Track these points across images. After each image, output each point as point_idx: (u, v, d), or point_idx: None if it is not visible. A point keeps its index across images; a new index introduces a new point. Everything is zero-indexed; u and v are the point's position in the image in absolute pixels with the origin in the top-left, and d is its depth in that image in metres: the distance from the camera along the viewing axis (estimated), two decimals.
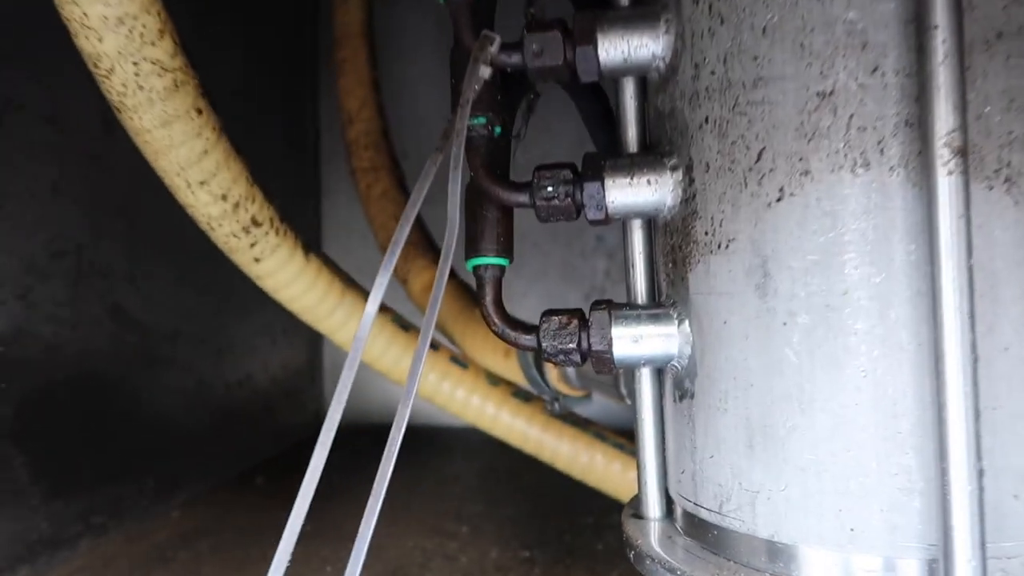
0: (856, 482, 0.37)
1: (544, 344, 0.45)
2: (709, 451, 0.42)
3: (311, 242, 0.71)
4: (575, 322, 0.45)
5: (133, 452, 0.95)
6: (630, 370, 0.57)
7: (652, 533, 0.46)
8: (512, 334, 0.47)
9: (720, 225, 0.40)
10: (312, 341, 1.43)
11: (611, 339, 0.44)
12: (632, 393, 0.60)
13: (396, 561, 0.80)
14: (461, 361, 0.81)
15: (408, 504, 0.98)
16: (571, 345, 0.45)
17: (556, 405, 0.72)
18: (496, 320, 0.47)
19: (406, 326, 0.78)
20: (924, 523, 0.36)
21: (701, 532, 0.43)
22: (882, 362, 0.36)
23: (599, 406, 1.08)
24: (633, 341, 0.44)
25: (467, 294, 0.85)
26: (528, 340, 0.47)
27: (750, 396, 0.39)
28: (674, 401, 0.45)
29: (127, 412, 0.94)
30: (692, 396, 0.43)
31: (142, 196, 0.93)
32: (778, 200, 0.38)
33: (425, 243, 0.91)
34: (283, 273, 0.66)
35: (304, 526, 0.94)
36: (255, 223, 0.62)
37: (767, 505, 0.39)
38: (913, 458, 0.36)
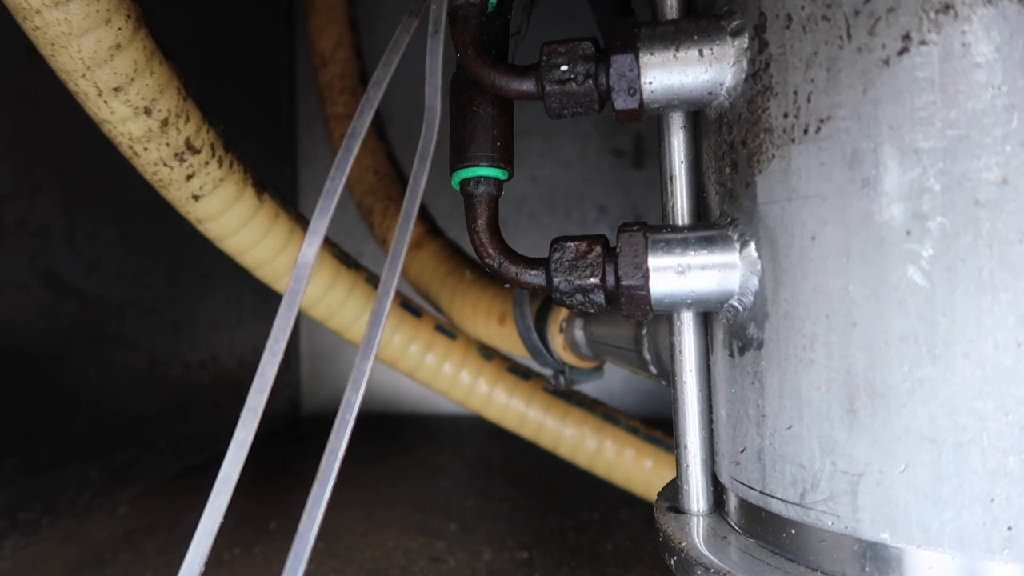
0: (1017, 460, 0.25)
1: (556, 280, 0.34)
2: (786, 420, 0.30)
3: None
4: (597, 250, 0.34)
5: (72, 439, 0.83)
6: (663, 318, 0.46)
7: (697, 532, 0.35)
8: (512, 268, 0.35)
9: (808, 101, 0.29)
10: None
11: (647, 270, 0.32)
12: (660, 358, 0.49)
13: (373, 564, 0.69)
14: (448, 331, 0.70)
15: (389, 499, 0.87)
16: (593, 280, 0.33)
17: (561, 379, 0.61)
18: (491, 250, 0.36)
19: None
20: None
21: (770, 531, 0.32)
22: None
23: (602, 393, 0.96)
24: (678, 273, 0.32)
25: (455, 255, 0.74)
26: (533, 277, 0.35)
27: (852, 340, 0.28)
28: (730, 355, 0.34)
29: (65, 393, 0.82)
30: (760, 346, 0.31)
31: (81, 141, 0.81)
32: (901, 53, 0.26)
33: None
34: (230, 216, 0.54)
35: (268, 524, 0.82)
36: (191, 148, 0.50)
37: (876, 493, 0.28)
38: None
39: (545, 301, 0.60)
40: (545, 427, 0.71)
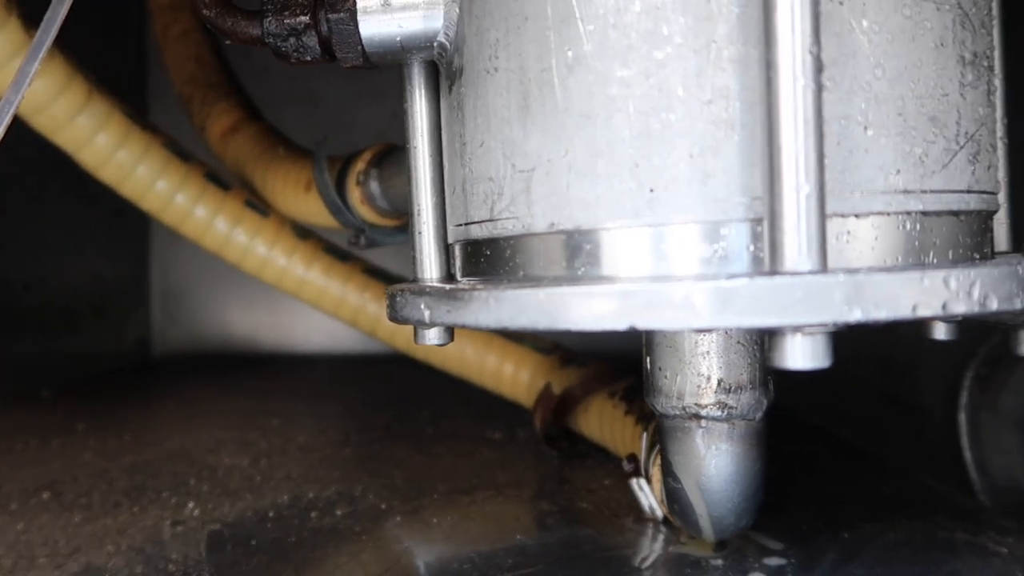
0: (658, 120, 0.26)
1: (268, 25, 0.33)
2: (479, 137, 0.31)
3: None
4: None
5: None
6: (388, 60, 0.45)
7: (420, 286, 0.35)
8: (228, 20, 0.34)
9: None
10: (138, 255, 1.24)
11: (354, 6, 0.32)
12: None
13: (179, 449, 0.66)
14: (260, 207, 0.68)
15: (217, 408, 0.84)
16: (303, 18, 0.33)
17: (362, 238, 0.60)
18: (208, 0, 0.35)
19: (184, 155, 0.64)
20: (745, 167, 0.25)
21: (473, 263, 0.32)
22: None
23: None
24: (383, 6, 0.32)
25: (270, 136, 0.72)
26: (248, 26, 0.34)
27: (524, 35, 0.28)
28: (448, 101, 0.34)
29: None
30: (461, 73, 0.32)
31: None
32: None
33: (227, 84, 0.77)
34: None
35: (77, 424, 0.77)
36: None
37: (545, 183, 0.28)
38: (732, 76, 0.25)
39: (347, 159, 0.59)
40: (364, 310, 0.70)
